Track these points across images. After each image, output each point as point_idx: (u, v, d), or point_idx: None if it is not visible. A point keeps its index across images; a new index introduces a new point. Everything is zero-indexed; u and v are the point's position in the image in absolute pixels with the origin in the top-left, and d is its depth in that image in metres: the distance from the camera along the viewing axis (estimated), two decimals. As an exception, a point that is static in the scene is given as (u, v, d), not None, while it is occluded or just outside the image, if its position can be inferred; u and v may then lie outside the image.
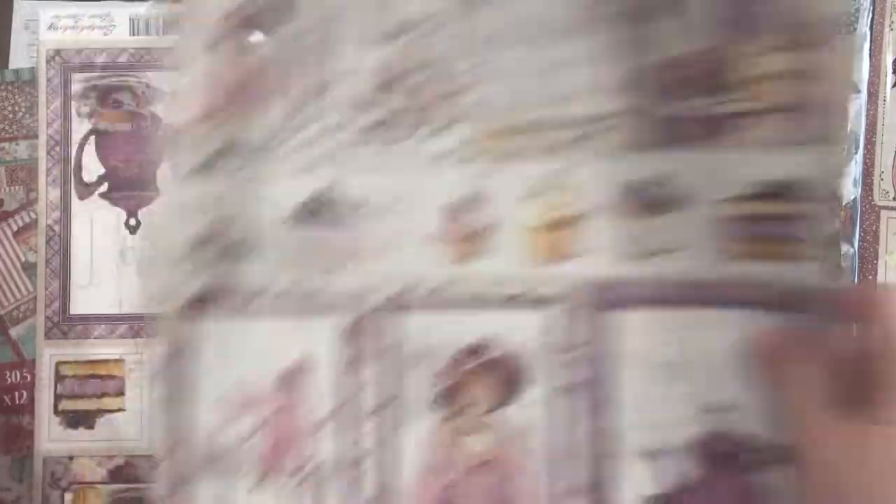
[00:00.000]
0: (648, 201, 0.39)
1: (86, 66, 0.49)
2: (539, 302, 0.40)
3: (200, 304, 0.42)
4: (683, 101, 0.38)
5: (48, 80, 0.49)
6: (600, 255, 0.40)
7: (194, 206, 0.42)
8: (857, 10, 0.49)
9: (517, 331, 0.40)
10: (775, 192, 0.37)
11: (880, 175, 0.48)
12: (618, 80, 0.39)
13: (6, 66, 0.50)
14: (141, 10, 0.50)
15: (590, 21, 0.39)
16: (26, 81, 0.49)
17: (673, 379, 0.39)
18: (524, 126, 0.41)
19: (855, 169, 0.48)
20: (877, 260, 0.48)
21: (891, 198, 0.48)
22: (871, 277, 0.48)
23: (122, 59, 0.49)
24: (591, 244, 0.40)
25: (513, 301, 0.41)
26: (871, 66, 0.48)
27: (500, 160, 0.41)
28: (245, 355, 0.43)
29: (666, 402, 0.39)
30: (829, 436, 0.34)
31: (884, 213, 0.48)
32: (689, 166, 0.38)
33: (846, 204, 0.48)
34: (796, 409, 0.36)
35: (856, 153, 0.48)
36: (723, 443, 0.38)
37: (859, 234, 0.48)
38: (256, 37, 0.42)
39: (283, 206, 0.42)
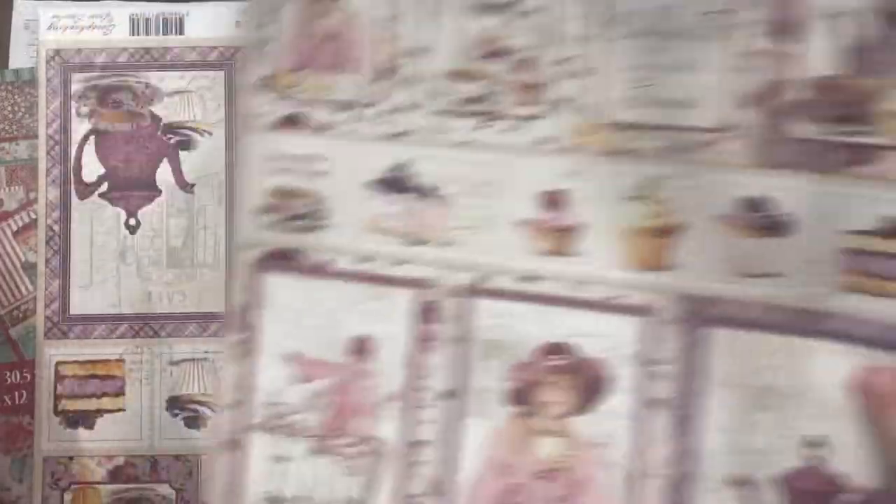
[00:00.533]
0: (761, 221, 0.37)
1: (86, 66, 0.49)
2: (629, 309, 0.39)
3: (274, 260, 0.41)
4: (818, 125, 0.36)
5: (48, 80, 0.49)
6: (700, 270, 0.38)
7: (275, 160, 0.41)
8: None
9: (604, 336, 0.39)
10: None
11: (881, 175, 0.48)
12: (749, 93, 0.37)
13: (6, 66, 0.50)
14: (141, 9, 0.50)
15: (727, 27, 0.37)
16: (26, 81, 0.49)
17: (767, 406, 0.37)
18: (637, 123, 0.39)
19: (856, 169, 0.48)
20: (877, 260, 0.48)
21: (892, 197, 0.48)
22: (871, 277, 0.48)
23: (122, 59, 0.49)
24: (691, 257, 0.38)
25: (601, 305, 0.39)
26: (871, 65, 0.48)
27: (604, 155, 0.39)
28: (316, 317, 0.41)
29: (757, 429, 0.37)
30: None
31: (885, 213, 0.48)
32: (815, 192, 0.37)
33: (847, 204, 0.48)
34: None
35: (857, 153, 0.48)
36: (814, 480, 0.36)
37: (860, 234, 0.48)
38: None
39: (366, 171, 0.41)
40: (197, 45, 0.50)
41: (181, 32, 0.50)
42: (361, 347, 0.41)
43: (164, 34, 0.50)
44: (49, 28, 0.49)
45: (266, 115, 0.42)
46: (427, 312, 0.40)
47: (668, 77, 0.38)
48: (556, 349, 0.39)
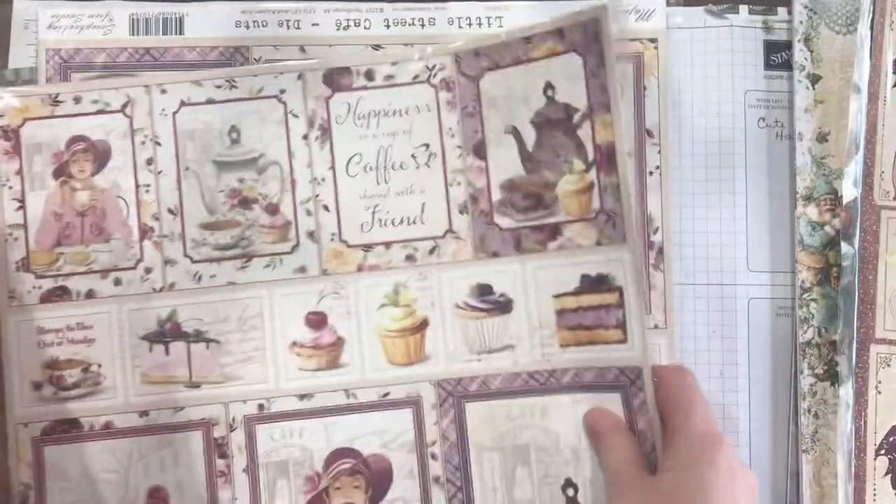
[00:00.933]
0: (487, 304, 0.45)
1: (85, 66, 0.49)
2: (399, 403, 0.45)
3: (56, 433, 0.45)
4: (515, 216, 0.46)
5: (48, 79, 0.49)
6: (448, 355, 0.45)
7: (43, 334, 0.45)
8: (858, 10, 0.49)
9: (381, 432, 0.45)
10: (593, 286, 0.44)
11: (880, 175, 0.48)
12: (461, 202, 0.46)
13: (6, 66, 0.50)
14: (141, 9, 0.50)
15: (433, 155, 0.46)
16: (26, 81, 0.49)
17: (526, 462, 0.44)
18: (377, 242, 0.46)
19: (855, 169, 0.48)
20: (877, 260, 0.48)
21: (891, 198, 0.48)
22: (871, 277, 0.48)
23: (122, 58, 0.49)
24: (439, 346, 0.45)
25: (374, 405, 0.45)
26: (871, 66, 0.48)
27: (356, 273, 0.46)
28: (106, 480, 0.44)
29: (522, 484, 0.44)
30: (633, 488, 0.41)
31: (884, 213, 0.48)
32: (524, 270, 0.45)
33: (846, 204, 0.48)
34: (612, 471, 0.42)
35: (856, 153, 0.48)
36: None
37: (859, 234, 0.48)
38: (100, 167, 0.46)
39: (136, 329, 0.45)
40: (197, 45, 0.50)
41: (181, 32, 0.50)
42: (157, 499, 0.44)
43: (164, 34, 0.50)
44: (49, 28, 0.49)
45: (29, 293, 0.45)
46: (215, 449, 0.45)
47: (395, 200, 0.46)
48: (341, 455, 0.45)
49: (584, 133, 0.45)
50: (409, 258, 0.46)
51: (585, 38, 0.45)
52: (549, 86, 0.46)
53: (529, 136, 0.46)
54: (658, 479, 0.41)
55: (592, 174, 0.45)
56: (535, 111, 0.46)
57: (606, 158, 0.45)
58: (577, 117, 0.45)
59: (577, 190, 0.45)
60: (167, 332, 0.45)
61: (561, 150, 0.46)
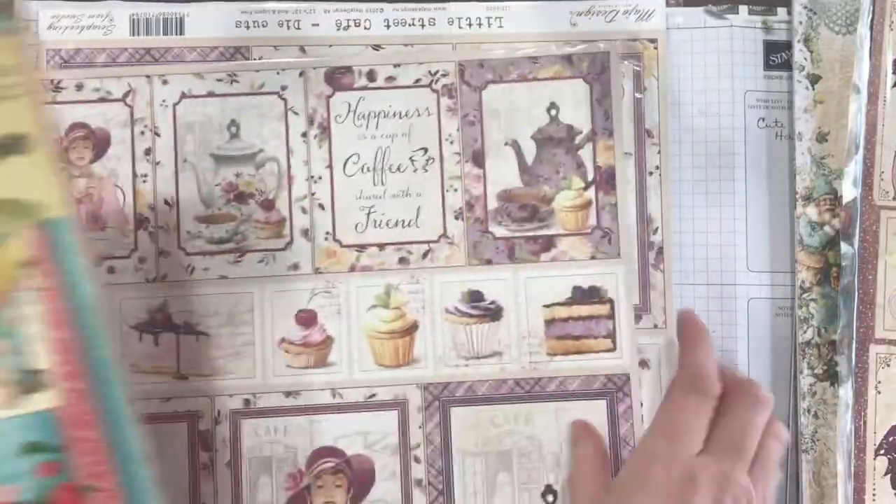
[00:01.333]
0: (477, 310, 0.46)
1: (86, 66, 0.49)
2: (384, 405, 0.46)
3: None
4: (510, 226, 0.46)
5: (48, 79, 0.49)
6: (435, 359, 0.46)
7: None
8: (857, 10, 0.49)
9: (365, 433, 0.45)
10: (585, 297, 0.46)
11: (880, 175, 0.48)
12: (457, 208, 0.46)
13: (6, 66, 0.50)
14: (141, 9, 0.50)
15: (432, 160, 0.47)
16: (26, 81, 0.49)
17: (510, 467, 0.45)
18: (370, 243, 0.46)
19: (855, 169, 0.48)
20: (877, 260, 0.48)
21: (891, 198, 0.48)
22: (870, 277, 0.48)
23: (122, 58, 0.49)
24: (427, 349, 0.46)
25: (359, 405, 0.46)
26: (871, 66, 0.48)
27: (348, 273, 0.46)
28: None
29: (502, 489, 0.45)
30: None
31: (884, 213, 0.48)
32: (516, 279, 0.46)
33: (846, 204, 0.48)
34: (573, 484, 0.43)
35: (855, 153, 0.48)
36: None
37: (859, 234, 0.48)
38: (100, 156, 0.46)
39: (127, 317, 0.45)
40: (197, 46, 0.50)
41: (181, 32, 0.50)
42: None
43: (164, 34, 0.50)
44: (49, 28, 0.49)
45: None
46: (199, 442, 0.45)
47: (391, 202, 0.46)
48: (325, 453, 0.45)
49: (585, 153, 0.47)
50: (402, 261, 0.46)
51: (593, 69, 0.47)
52: (553, 105, 0.47)
53: (529, 150, 0.47)
54: (603, 499, 0.41)
55: (591, 193, 0.47)
56: (538, 127, 0.47)
57: (606, 179, 0.47)
58: (579, 138, 0.47)
59: (574, 206, 0.47)
60: (157, 323, 0.45)
61: (560, 167, 0.47)
